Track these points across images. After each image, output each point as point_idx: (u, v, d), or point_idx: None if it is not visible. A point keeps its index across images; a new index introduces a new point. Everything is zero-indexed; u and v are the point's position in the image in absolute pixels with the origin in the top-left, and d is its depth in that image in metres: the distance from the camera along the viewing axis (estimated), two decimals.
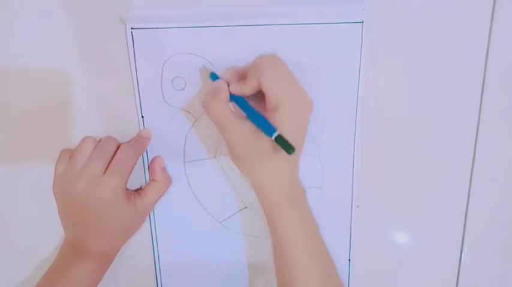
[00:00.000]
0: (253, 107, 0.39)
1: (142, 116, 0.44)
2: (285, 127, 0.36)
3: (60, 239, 0.45)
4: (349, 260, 0.50)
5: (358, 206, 0.48)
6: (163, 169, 0.46)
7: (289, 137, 0.36)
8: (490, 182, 0.48)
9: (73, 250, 0.43)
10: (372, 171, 0.47)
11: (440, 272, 0.52)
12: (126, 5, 0.41)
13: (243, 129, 0.38)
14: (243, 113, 0.39)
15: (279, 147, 0.35)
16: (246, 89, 0.38)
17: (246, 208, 0.48)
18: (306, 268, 0.40)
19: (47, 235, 0.48)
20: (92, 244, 0.43)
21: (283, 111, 0.37)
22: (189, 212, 0.48)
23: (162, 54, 0.42)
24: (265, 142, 0.37)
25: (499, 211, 0.49)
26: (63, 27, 0.42)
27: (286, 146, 0.35)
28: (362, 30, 0.42)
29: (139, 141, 0.44)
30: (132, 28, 0.41)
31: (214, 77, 0.41)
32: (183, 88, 0.44)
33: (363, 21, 0.42)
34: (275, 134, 0.36)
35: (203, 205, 0.48)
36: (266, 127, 0.37)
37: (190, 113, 0.44)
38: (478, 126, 0.46)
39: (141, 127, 0.45)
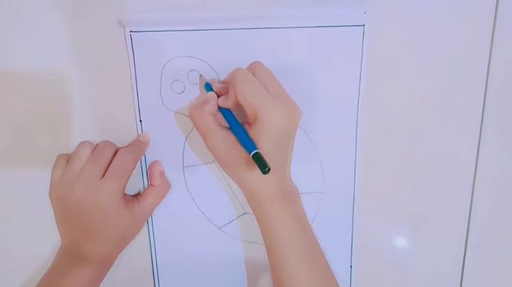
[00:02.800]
0: (237, 121, 0.39)
1: (141, 120, 0.44)
2: (264, 142, 0.37)
3: (57, 246, 0.44)
4: (351, 266, 0.50)
5: (359, 211, 0.47)
6: (162, 174, 0.45)
7: (268, 152, 0.36)
8: (493, 186, 0.48)
9: (70, 257, 0.43)
10: (373, 176, 0.47)
11: (443, 277, 0.51)
12: (125, 8, 0.41)
13: (225, 140, 0.38)
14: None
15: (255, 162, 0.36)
16: (228, 104, 0.39)
17: (245, 213, 0.47)
18: (299, 269, 0.39)
19: (44, 241, 0.47)
20: (89, 250, 0.42)
21: (262, 125, 0.37)
22: (188, 218, 0.47)
23: (161, 58, 0.42)
24: (246, 153, 0.37)
25: (502, 215, 0.49)
26: (61, 30, 0.41)
27: (262, 165, 0.35)
28: (363, 34, 0.42)
29: (138, 146, 0.43)
30: (131, 31, 0.41)
31: (208, 87, 0.41)
32: (182, 92, 0.43)
33: (364, 25, 0.42)
34: (253, 152, 0.36)
35: (202, 210, 0.47)
36: (246, 143, 0.37)
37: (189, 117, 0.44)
38: (480, 130, 0.46)
39: (140, 131, 0.44)
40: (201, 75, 0.43)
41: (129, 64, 0.42)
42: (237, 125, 0.39)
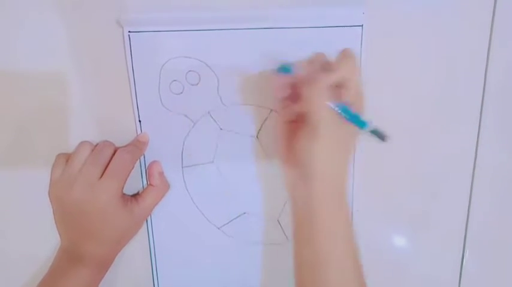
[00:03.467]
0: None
1: (140, 121, 0.44)
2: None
3: (56, 246, 0.44)
4: None
5: (357, 211, 0.47)
6: (161, 174, 0.45)
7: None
8: (492, 186, 0.48)
9: (69, 257, 0.43)
10: (372, 174, 0.47)
11: (442, 277, 0.51)
12: (123, 8, 0.41)
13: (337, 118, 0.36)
14: None
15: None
16: (336, 77, 0.35)
17: (244, 213, 0.47)
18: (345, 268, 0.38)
19: (43, 242, 0.47)
20: (87, 250, 0.42)
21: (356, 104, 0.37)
22: (187, 218, 0.47)
23: (160, 58, 0.42)
24: (353, 132, 0.37)
25: (501, 215, 0.49)
26: (60, 30, 0.41)
27: (381, 136, 0.37)
28: (362, 34, 0.42)
29: (137, 146, 0.43)
30: (129, 31, 0.41)
31: (285, 69, 0.37)
32: (181, 92, 0.43)
33: (362, 25, 0.42)
34: (370, 127, 0.37)
35: (201, 210, 0.47)
36: (359, 120, 0.37)
37: (188, 117, 0.44)
38: (479, 131, 0.46)
39: (139, 132, 0.44)
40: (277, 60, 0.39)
41: (128, 64, 0.42)
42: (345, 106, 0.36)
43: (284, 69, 0.37)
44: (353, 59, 0.36)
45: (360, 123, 0.37)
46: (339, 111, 0.36)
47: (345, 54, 0.36)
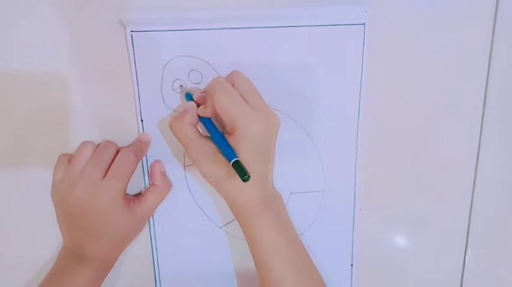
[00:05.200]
0: (217, 130, 0.40)
1: (142, 120, 0.44)
2: (243, 150, 0.37)
3: (58, 246, 0.44)
4: (352, 265, 0.49)
5: (360, 209, 0.47)
6: (163, 173, 0.45)
7: (248, 160, 0.36)
8: (494, 187, 0.48)
9: (72, 257, 0.43)
10: (374, 174, 0.47)
11: (444, 276, 0.51)
12: (125, 8, 0.41)
13: (206, 149, 0.39)
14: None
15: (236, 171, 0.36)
16: (207, 113, 0.39)
17: None
18: (285, 276, 0.39)
19: (46, 242, 0.47)
20: (90, 250, 0.42)
21: (240, 134, 0.37)
22: (189, 217, 0.47)
23: (162, 57, 0.42)
24: (227, 163, 0.37)
25: (503, 214, 0.49)
26: (62, 30, 0.41)
27: (242, 173, 0.35)
28: (364, 32, 0.42)
29: (139, 146, 0.43)
30: (131, 31, 0.41)
31: (188, 97, 0.42)
32: None
33: (364, 23, 0.42)
34: (232, 160, 0.36)
35: (203, 209, 0.47)
36: (226, 151, 0.38)
37: None
38: (481, 130, 0.46)
39: (141, 131, 0.44)
40: (181, 85, 0.43)
41: (130, 64, 0.42)
42: (217, 134, 0.39)
43: (188, 97, 0.42)
44: (212, 92, 0.38)
45: (225, 153, 0.38)
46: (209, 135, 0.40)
47: (208, 89, 0.39)
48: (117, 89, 0.43)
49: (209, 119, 0.40)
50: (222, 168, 0.38)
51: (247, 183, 0.35)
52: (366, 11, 0.41)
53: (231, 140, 0.38)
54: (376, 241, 0.49)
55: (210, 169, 0.40)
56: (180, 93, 0.43)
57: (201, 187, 0.46)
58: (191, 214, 0.47)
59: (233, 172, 0.36)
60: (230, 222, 0.47)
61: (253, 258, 0.41)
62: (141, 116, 0.44)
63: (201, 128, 0.41)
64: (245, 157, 0.37)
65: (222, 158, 0.38)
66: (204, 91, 0.41)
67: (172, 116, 0.41)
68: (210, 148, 0.39)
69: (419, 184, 0.48)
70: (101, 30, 0.41)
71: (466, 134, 0.46)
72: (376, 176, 0.47)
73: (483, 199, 0.48)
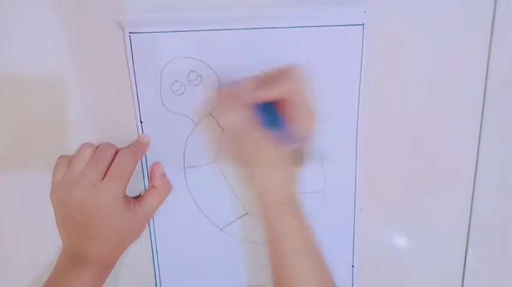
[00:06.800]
0: (279, 115, 0.38)
1: (141, 121, 0.44)
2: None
3: (58, 249, 0.44)
4: (353, 266, 0.49)
5: (361, 210, 0.47)
6: (163, 175, 0.45)
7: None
8: (494, 186, 0.48)
9: (71, 259, 0.43)
10: (374, 175, 0.47)
11: (445, 277, 0.51)
12: (124, 9, 0.41)
13: (263, 137, 0.38)
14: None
15: (292, 158, 0.37)
16: (275, 92, 0.37)
17: (246, 214, 0.47)
18: (304, 274, 0.40)
19: (45, 245, 0.47)
20: (90, 252, 0.42)
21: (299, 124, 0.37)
22: (189, 219, 0.47)
23: (161, 59, 0.42)
24: (281, 152, 0.38)
25: (503, 214, 0.49)
26: (61, 32, 0.41)
27: (300, 161, 0.37)
28: (362, 33, 0.42)
29: (138, 147, 0.43)
30: (130, 32, 0.41)
31: (224, 85, 0.41)
32: (183, 93, 0.43)
33: (363, 24, 0.42)
34: (283, 128, 0.37)
35: (203, 211, 0.47)
36: (274, 121, 0.37)
37: (189, 118, 0.44)
38: (480, 130, 0.46)
39: (140, 133, 0.44)
40: (219, 83, 0.42)
41: (129, 65, 0.42)
42: (280, 120, 0.38)
43: (225, 84, 0.41)
44: (295, 77, 0.37)
45: (274, 123, 0.37)
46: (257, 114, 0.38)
47: (288, 71, 0.37)
48: (116, 91, 0.43)
49: (269, 104, 0.38)
50: (275, 157, 0.38)
51: (285, 180, 0.38)
52: (364, 12, 0.41)
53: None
54: (377, 241, 0.49)
55: (261, 158, 0.39)
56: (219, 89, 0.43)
57: (201, 189, 0.46)
58: (191, 216, 0.47)
59: (282, 161, 0.37)
60: (230, 223, 0.47)
61: (273, 255, 0.41)
62: (140, 118, 0.44)
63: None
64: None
65: (276, 148, 0.38)
66: (264, 75, 0.39)
67: (221, 103, 0.40)
68: (265, 135, 0.38)
69: (419, 185, 0.48)
70: (99, 32, 0.41)
71: (466, 134, 0.46)
72: (377, 176, 0.47)
73: (483, 198, 0.48)
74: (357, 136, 0.45)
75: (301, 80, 0.37)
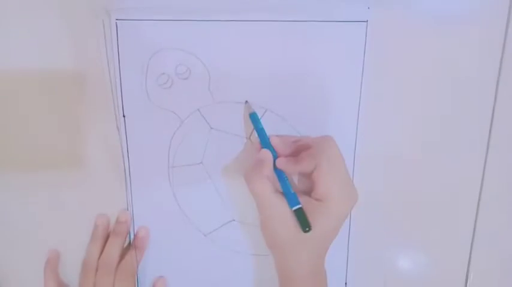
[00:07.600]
0: (289, 181, 0.39)
1: (124, 115, 0.41)
2: (322, 225, 0.37)
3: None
4: (346, 283, 0.47)
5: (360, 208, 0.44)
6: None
7: (321, 235, 0.37)
8: (499, 197, 0.46)
9: None
10: (374, 174, 0.45)
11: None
12: None
13: (283, 208, 0.37)
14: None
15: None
16: (296, 169, 0.38)
17: (233, 220, 0.44)
18: None
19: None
20: None
21: (327, 210, 0.37)
22: (173, 223, 0.44)
23: (148, 49, 0.39)
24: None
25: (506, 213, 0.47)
26: (41, 17, 0.39)
27: (304, 223, 0.36)
28: (366, 30, 0.40)
29: (119, 230, 0.44)
30: (116, 19, 0.39)
31: (254, 117, 0.40)
32: (170, 87, 0.41)
33: (367, 21, 0.40)
34: (296, 207, 0.36)
35: (188, 215, 0.44)
36: (292, 198, 0.37)
37: (176, 114, 0.41)
38: (490, 131, 0.44)
39: (122, 128, 0.41)
40: (246, 102, 0.41)
41: (113, 54, 0.39)
42: (287, 182, 0.38)
43: (253, 117, 0.40)
44: (328, 153, 0.37)
45: (289, 199, 0.37)
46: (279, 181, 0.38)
47: (322, 145, 0.38)
48: (98, 81, 0.40)
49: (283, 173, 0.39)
50: (296, 229, 0.37)
51: (309, 252, 0.37)
52: (368, 8, 0.40)
53: (312, 207, 0.37)
54: (371, 259, 0.47)
55: (281, 229, 0.38)
56: (244, 110, 0.41)
57: (186, 191, 0.44)
58: (175, 220, 0.44)
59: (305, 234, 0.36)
60: (215, 230, 0.45)
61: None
62: (123, 112, 0.41)
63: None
64: (321, 232, 0.37)
65: (293, 219, 0.37)
66: (299, 141, 0.40)
67: (248, 169, 0.38)
68: (283, 204, 0.37)
69: (415, 204, 0.46)
70: (84, 17, 0.39)
71: (473, 137, 0.45)
72: (372, 193, 0.44)
73: (488, 210, 0.46)
74: (356, 131, 0.43)
75: (323, 159, 0.36)
